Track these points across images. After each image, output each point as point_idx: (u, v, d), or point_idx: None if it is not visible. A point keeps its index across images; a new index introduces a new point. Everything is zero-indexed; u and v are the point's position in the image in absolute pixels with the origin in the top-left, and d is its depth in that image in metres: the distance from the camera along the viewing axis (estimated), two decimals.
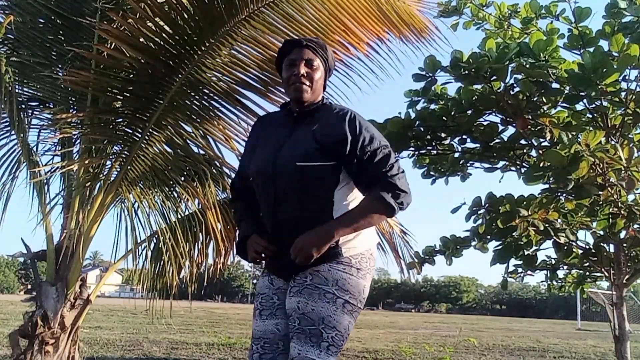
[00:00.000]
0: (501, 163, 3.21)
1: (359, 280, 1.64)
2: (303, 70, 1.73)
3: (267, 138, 1.79)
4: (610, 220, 2.68)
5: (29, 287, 57.81)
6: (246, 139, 1.99)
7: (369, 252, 1.71)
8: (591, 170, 2.33)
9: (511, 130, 3.01)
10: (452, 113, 2.96)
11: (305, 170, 1.65)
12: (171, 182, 3.26)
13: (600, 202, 2.61)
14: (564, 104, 2.77)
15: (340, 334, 1.60)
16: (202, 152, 3.24)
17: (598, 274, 3.17)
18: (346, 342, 1.68)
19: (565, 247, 2.78)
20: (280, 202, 1.68)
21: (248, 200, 1.85)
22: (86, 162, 3.11)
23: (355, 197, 1.73)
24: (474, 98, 2.86)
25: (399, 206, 1.65)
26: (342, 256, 1.64)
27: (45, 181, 3.25)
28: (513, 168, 3.20)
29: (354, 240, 1.67)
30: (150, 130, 3.06)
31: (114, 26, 2.90)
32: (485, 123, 3.04)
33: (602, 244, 2.85)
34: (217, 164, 3.29)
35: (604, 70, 2.32)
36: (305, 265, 1.62)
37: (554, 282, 3.38)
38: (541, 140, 2.91)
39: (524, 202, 2.65)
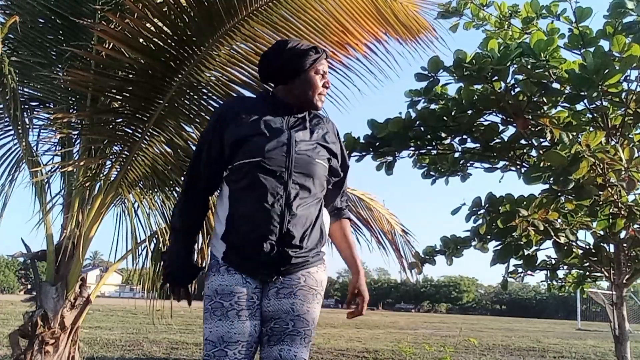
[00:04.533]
0: (501, 163, 3.21)
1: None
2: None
3: (266, 128, 1.67)
4: (610, 220, 2.68)
5: (29, 287, 57.86)
6: (214, 127, 1.72)
7: None
8: (591, 171, 2.33)
9: (511, 130, 3.01)
10: (453, 113, 2.96)
11: (318, 167, 1.71)
12: (171, 183, 3.26)
13: (601, 202, 2.61)
14: (565, 104, 2.77)
15: None
16: None
17: (598, 274, 3.17)
18: None
19: (565, 247, 2.77)
20: (292, 198, 1.63)
21: (202, 209, 1.77)
22: (81, 163, 3.10)
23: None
24: (474, 98, 2.86)
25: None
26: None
27: (45, 181, 3.25)
28: (513, 168, 3.20)
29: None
30: (150, 130, 3.05)
31: (112, 27, 2.90)
32: (485, 123, 3.03)
33: (602, 244, 2.84)
34: None
35: (606, 71, 2.32)
36: (295, 265, 1.65)
37: (554, 282, 3.38)
38: (541, 140, 2.90)
39: (524, 202, 2.65)
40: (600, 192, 2.49)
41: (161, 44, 2.77)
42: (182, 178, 1.76)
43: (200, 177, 1.71)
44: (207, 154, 1.69)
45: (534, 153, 3.08)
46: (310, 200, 1.69)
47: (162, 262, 1.75)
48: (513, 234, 2.69)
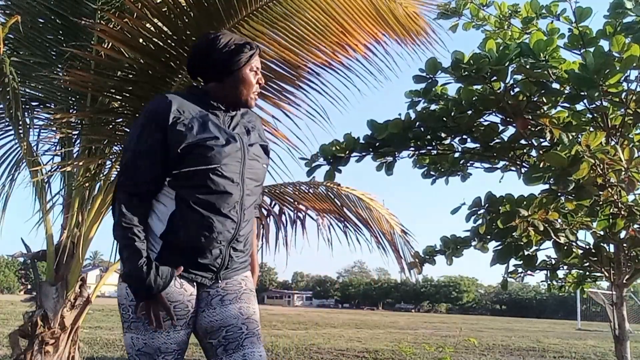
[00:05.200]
0: (501, 163, 3.21)
1: None
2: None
3: (216, 131, 1.58)
4: (611, 220, 2.68)
5: (29, 287, 57.88)
6: (156, 127, 1.54)
7: None
8: (591, 171, 2.33)
9: (511, 130, 3.01)
10: (452, 113, 2.96)
11: (263, 171, 1.71)
12: None
13: (601, 203, 2.61)
14: (564, 104, 2.77)
15: None
16: None
17: (598, 274, 3.17)
18: None
19: (565, 247, 2.77)
20: (245, 202, 1.61)
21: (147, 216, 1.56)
22: (81, 163, 3.10)
23: None
24: (474, 98, 2.86)
25: None
26: None
27: (45, 181, 3.26)
28: (513, 168, 3.20)
29: None
30: None
31: (112, 27, 2.90)
32: (485, 123, 3.03)
33: (602, 244, 2.84)
34: None
35: (607, 71, 2.32)
36: (234, 269, 1.64)
37: (554, 282, 3.37)
38: (541, 140, 2.90)
39: (524, 202, 2.65)
40: (601, 193, 2.49)
41: (161, 44, 2.77)
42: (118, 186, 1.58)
43: (144, 181, 1.53)
44: (150, 158, 1.53)
45: (534, 153, 3.08)
46: (255, 205, 1.70)
47: (130, 280, 1.49)
48: (513, 234, 2.69)
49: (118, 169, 1.56)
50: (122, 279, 1.52)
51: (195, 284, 1.58)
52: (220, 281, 1.61)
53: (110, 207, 1.67)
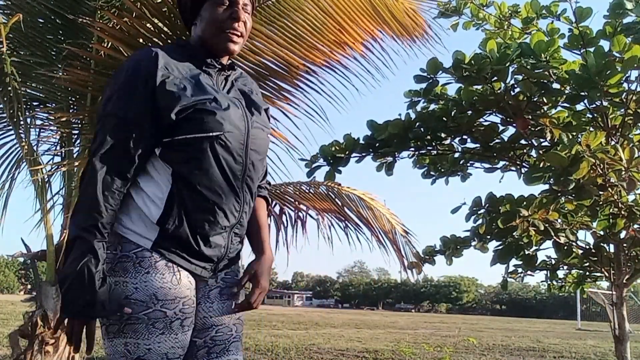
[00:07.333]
0: (501, 163, 3.21)
1: None
2: (243, 16, 1.37)
3: (209, 92, 1.30)
4: (611, 220, 2.68)
5: (29, 287, 57.92)
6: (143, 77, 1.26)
7: None
8: (592, 171, 2.33)
9: (511, 130, 3.01)
10: (452, 113, 2.96)
11: (267, 142, 1.45)
12: None
13: (601, 203, 2.61)
14: (565, 104, 2.77)
15: None
16: None
17: (598, 274, 3.17)
18: None
19: (565, 247, 2.78)
20: (248, 180, 1.35)
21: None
22: (77, 163, 3.10)
23: None
24: (474, 98, 2.86)
25: None
26: None
27: (45, 180, 3.25)
28: (513, 168, 3.20)
29: None
30: None
31: (112, 26, 2.89)
32: (485, 123, 3.04)
33: (602, 244, 2.84)
34: None
35: (608, 72, 2.32)
36: (232, 259, 1.41)
37: (554, 282, 3.38)
38: (541, 140, 2.91)
39: (524, 202, 2.65)
40: (601, 192, 2.49)
41: (161, 44, 2.77)
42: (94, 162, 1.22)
43: (129, 158, 1.24)
44: (140, 127, 1.24)
45: (534, 153, 3.08)
46: (255, 183, 1.42)
47: (64, 286, 1.17)
48: (513, 234, 2.69)
49: (92, 141, 1.28)
50: (59, 276, 1.20)
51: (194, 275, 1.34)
52: (219, 274, 1.40)
53: (79, 184, 1.37)
